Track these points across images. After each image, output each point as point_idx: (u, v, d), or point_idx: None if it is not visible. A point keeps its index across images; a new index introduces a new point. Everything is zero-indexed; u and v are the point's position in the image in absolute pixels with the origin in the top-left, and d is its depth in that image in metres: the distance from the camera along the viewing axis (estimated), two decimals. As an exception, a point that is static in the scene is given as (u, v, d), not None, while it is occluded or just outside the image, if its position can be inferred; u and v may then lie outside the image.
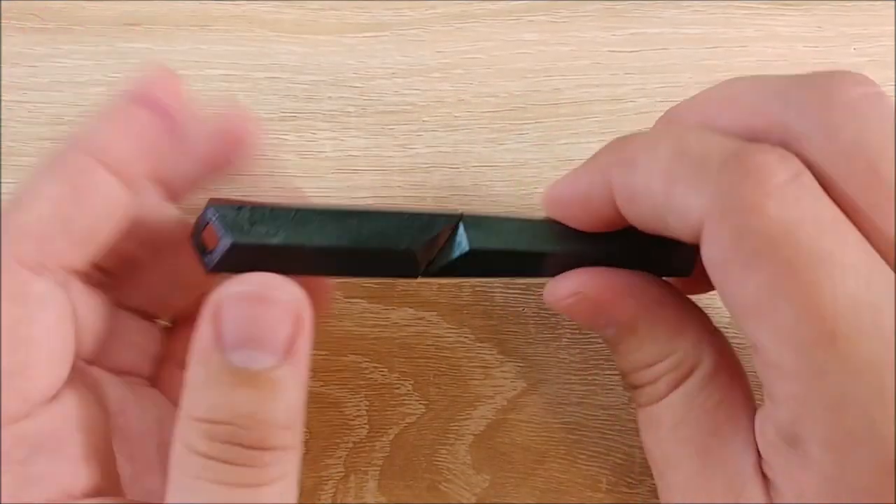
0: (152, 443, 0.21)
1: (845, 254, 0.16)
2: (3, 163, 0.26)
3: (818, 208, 0.17)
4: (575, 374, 0.26)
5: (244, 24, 0.27)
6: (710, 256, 0.17)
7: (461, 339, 0.26)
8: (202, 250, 0.19)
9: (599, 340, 0.26)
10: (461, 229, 0.20)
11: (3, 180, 0.26)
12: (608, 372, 0.26)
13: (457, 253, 0.20)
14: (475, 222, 0.20)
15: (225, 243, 0.18)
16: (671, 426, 0.20)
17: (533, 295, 0.26)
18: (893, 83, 0.28)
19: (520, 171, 0.27)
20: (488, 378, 0.26)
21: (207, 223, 0.19)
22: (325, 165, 0.26)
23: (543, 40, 0.28)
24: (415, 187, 0.26)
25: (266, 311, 0.17)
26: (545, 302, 0.21)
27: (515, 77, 0.27)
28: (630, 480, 0.25)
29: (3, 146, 0.26)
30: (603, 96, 0.27)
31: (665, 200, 0.18)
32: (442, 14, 0.28)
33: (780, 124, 0.18)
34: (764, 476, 0.18)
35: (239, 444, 0.17)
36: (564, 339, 0.26)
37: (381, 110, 0.27)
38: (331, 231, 0.19)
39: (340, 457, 0.25)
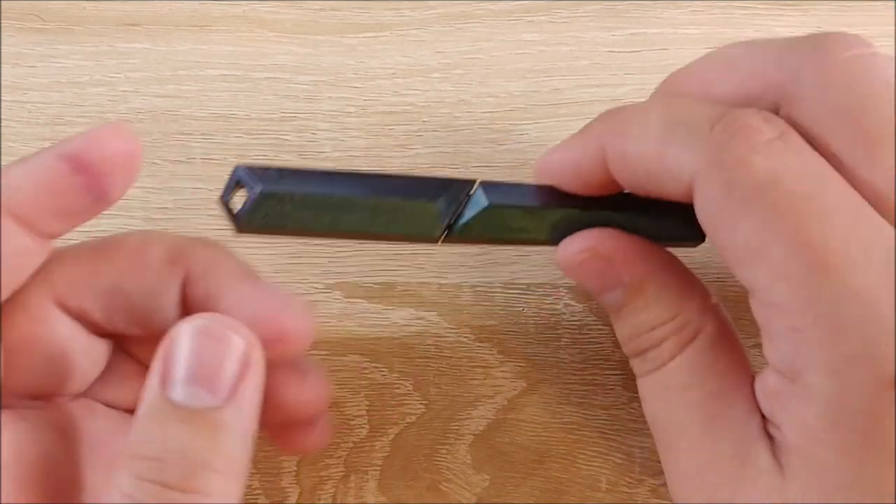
0: None
1: (828, 196, 0.17)
2: (2, 163, 0.26)
3: (802, 160, 0.18)
4: (575, 374, 0.26)
5: (244, 24, 0.27)
6: (703, 208, 0.19)
7: (461, 339, 0.26)
8: (231, 211, 0.19)
9: (599, 340, 0.26)
10: (479, 190, 0.21)
11: (3, 180, 0.26)
12: (608, 372, 0.26)
13: (475, 210, 0.21)
14: (491, 185, 0.21)
15: (254, 192, 0.19)
16: (679, 390, 0.20)
17: (533, 295, 0.26)
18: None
19: (520, 171, 0.27)
20: (488, 378, 0.26)
21: (237, 182, 0.19)
22: (325, 165, 0.26)
23: (543, 41, 0.28)
24: (415, 187, 0.26)
25: (214, 346, 0.17)
26: (556, 263, 0.21)
27: (515, 77, 0.27)
28: (630, 480, 0.25)
29: (3, 146, 0.26)
30: (603, 96, 0.27)
31: (657, 163, 0.19)
32: (442, 14, 0.28)
33: (776, 87, 0.19)
34: (769, 438, 0.18)
35: (161, 483, 0.16)
36: (564, 339, 0.26)
37: (381, 110, 0.27)
38: (355, 186, 0.20)
39: (340, 457, 0.25)
